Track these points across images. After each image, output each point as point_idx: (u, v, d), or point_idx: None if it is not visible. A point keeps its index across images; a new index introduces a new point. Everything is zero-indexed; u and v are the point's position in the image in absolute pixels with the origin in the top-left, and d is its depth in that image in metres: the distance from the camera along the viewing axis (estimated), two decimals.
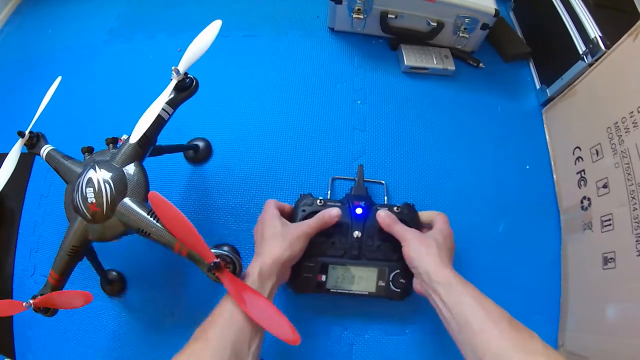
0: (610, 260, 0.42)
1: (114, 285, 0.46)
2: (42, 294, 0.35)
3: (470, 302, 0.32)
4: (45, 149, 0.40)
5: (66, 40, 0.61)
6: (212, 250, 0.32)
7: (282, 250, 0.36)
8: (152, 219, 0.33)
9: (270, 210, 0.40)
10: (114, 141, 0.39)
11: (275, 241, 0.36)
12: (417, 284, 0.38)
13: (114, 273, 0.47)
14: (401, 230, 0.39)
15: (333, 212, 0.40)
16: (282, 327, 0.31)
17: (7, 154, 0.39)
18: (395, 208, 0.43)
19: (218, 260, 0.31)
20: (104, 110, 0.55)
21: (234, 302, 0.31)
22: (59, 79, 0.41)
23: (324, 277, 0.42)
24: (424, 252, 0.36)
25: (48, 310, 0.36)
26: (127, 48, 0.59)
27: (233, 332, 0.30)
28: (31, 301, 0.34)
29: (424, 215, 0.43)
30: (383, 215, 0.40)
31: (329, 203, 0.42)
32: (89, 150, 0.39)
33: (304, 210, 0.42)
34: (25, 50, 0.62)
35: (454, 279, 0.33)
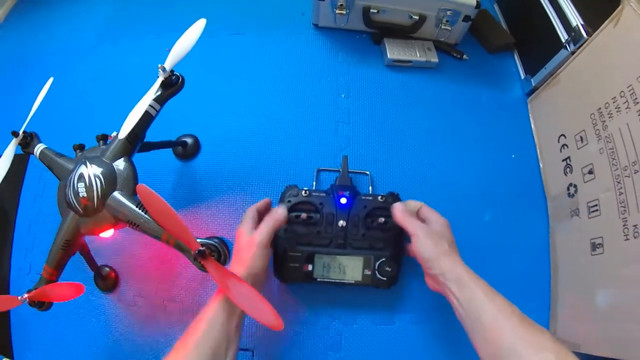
0: (598, 246, 0.42)
1: (108, 281, 0.47)
2: (37, 288, 0.36)
3: (482, 299, 0.32)
4: (39, 148, 0.41)
5: (57, 44, 0.62)
6: (198, 240, 0.32)
7: (243, 273, 0.36)
8: (140, 211, 0.34)
9: (244, 224, 0.40)
10: (104, 138, 0.40)
11: (238, 261, 0.37)
12: (430, 282, 0.38)
13: (106, 269, 0.48)
14: (411, 226, 0.39)
15: (280, 210, 0.40)
16: (265, 313, 0.31)
17: (1, 154, 0.40)
18: (379, 197, 0.43)
19: (203, 248, 0.31)
20: (95, 109, 0.56)
21: (214, 314, 0.33)
22: (50, 80, 0.43)
23: (310, 267, 0.42)
24: (437, 253, 0.36)
25: (43, 305, 0.37)
26: (115, 50, 0.61)
27: (210, 343, 0.31)
28: (26, 295, 0.35)
29: (408, 205, 0.43)
30: (398, 207, 0.41)
31: (314, 193, 0.43)
32: (80, 147, 0.41)
33: (289, 201, 0.43)
34: (18, 53, 0.63)
35: (466, 275, 0.34)
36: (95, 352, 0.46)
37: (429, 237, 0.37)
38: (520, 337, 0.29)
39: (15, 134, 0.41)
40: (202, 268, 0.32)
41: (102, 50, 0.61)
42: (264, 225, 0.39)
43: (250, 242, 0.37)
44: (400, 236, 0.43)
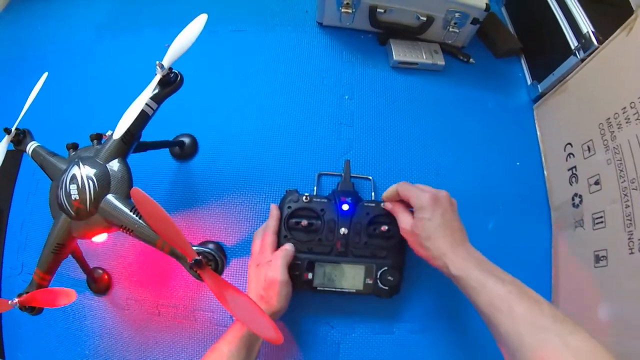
0: (602, 259, 0.41)
1: (100, 284, 0.46)
2: (27, 292, 0.35)
3: (474, 287, 0.32)
4: (31, 146, 0.40)
5: (55, 37, 0.61)
6: (194, 248, 0.31)
7: (268, 311, 0.37)
8: (134, 215, 0.33)
9: (267, 256, 0.39)
10: (98, 137, 0.38)
11: (261, 299, 0.38)
12: None
13: (100, 271, 0.46)
14: (398, 223, 0.39)
15: (288, 247, 0.40)
16: (264, 326, 0.30)
17: None
18: (382, 204, 0.42)
19: (199, 257, 0.30)
20: (92, 106, 0.54)
21: (236, 350, 0.33)
22: (44, 75, 0.41)
23: (310, 275, 0.41)
24: (425, 255, 0.36)
25: (33, 309, 0.36)
26: (115, 44, 0.59)
27: None
28: (16, 299, 0.34)
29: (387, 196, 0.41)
30: (386, 206, 0.41)
31: (315, 199, 0.42)
32: (74, 146, 0.39)
33: (289, 207, 0.42)
34: (15, 46, 0.61)
35: (452, 268, 0.34)
36: (87, 355, 0.45)
37: (411, 237, 0.37)
38: (521, 318, 0.28)
39: (7, 130, 0.40)
40: (199, 277, 0.31)
41: (101, 45, 0.59)
42: (280, 263, 0.38)
43: (274, 282, 0.37)
44: (403, 244, 0.42)
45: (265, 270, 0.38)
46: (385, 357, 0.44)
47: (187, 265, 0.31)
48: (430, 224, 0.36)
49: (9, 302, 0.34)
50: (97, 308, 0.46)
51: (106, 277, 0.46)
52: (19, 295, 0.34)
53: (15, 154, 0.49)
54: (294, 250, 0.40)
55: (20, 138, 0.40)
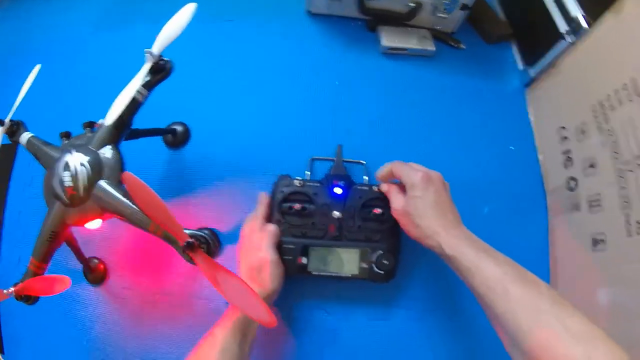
0: (600, 242, 0.41)
1: (96, 273, 0.46)
2: (23, 282, 0.35)
3: (468, 266, 0.31)
4: (26, 137, 0.40)
5: (50, 31, 0.61)
6: (186, 231, 0.31)
7: (262, 294, 0.36)
8: (127, 200, 0.33)
9: (266, 241, 0.39)
10: (90, 125, 0.39)
11: (254, 281, 0.37)
12: None
13: (95, 260, 0.47)
14: (391, 204, 0.39)
15: (272, 228, 0.40)
16: (257, 310, 0.30)
17: None
18: (375, 188, 0.42)
19: (191, 240, 0.30)
20: (87, 97, 0.54)
21: (230, 335, 0.33)
22: (37, 67, 0.42)
23: (304, 260, 0.41)
24: (418, 236, 0.36)
25: (29, 298, 0.36)
26: (111, 38, 0.59)
27: None
28: (12, 289, 0.34)
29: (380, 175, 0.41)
30: (382, 187, 0.41)
31: (307, 183, 0.42)
32: (67, 135, 0.39)
33: (282, 192, 0.42)
34: (10, 40, 0.62)
35: (445, 247, 0.33)
36: (85, 346, 0.45)
37: (403, 218, 0.37)
38: (518, 299, 0.28)
39: (1, 122, 0.40)
40: (191, 260, 0.31)
41: (96, 39, 0.59)
42: (267, 243, 0.38)
43: (264, 262, 0.37)
44: (397, 228, 0.42)
45: (254, 253, 0.38)
46: (383, 343, 0.44)
47: (179, 249, 0.31)
48: (422, 201, 0.35)
49: (5, 291, 0.34)
50: (94, 298, 0.46)
51: (102, 266, 0.46)
52: (15, 285, 0.34)
53: (10, 147, 0.49)
54: (278, 230, 0.40)
55: (14, 129, 0.41)
